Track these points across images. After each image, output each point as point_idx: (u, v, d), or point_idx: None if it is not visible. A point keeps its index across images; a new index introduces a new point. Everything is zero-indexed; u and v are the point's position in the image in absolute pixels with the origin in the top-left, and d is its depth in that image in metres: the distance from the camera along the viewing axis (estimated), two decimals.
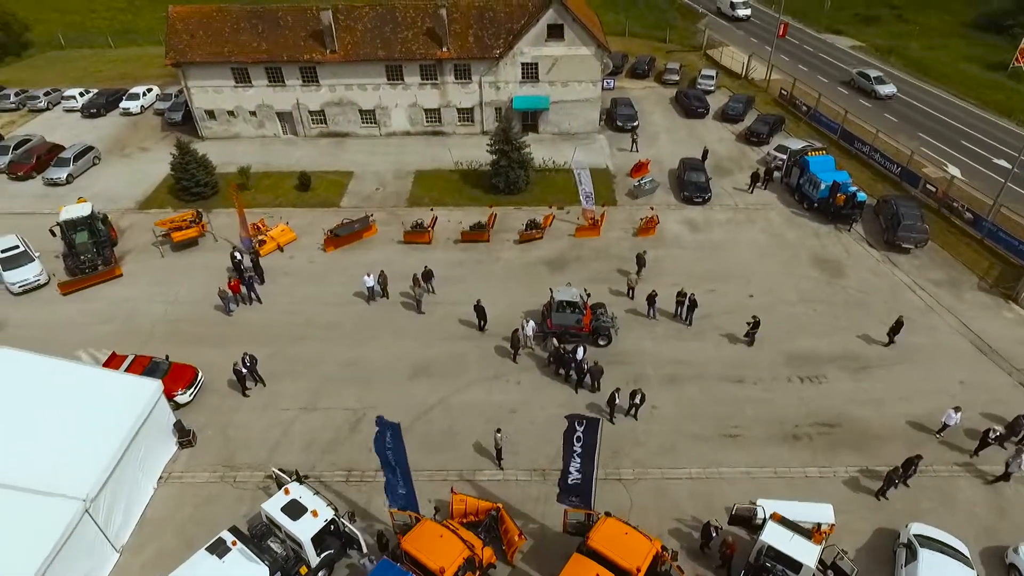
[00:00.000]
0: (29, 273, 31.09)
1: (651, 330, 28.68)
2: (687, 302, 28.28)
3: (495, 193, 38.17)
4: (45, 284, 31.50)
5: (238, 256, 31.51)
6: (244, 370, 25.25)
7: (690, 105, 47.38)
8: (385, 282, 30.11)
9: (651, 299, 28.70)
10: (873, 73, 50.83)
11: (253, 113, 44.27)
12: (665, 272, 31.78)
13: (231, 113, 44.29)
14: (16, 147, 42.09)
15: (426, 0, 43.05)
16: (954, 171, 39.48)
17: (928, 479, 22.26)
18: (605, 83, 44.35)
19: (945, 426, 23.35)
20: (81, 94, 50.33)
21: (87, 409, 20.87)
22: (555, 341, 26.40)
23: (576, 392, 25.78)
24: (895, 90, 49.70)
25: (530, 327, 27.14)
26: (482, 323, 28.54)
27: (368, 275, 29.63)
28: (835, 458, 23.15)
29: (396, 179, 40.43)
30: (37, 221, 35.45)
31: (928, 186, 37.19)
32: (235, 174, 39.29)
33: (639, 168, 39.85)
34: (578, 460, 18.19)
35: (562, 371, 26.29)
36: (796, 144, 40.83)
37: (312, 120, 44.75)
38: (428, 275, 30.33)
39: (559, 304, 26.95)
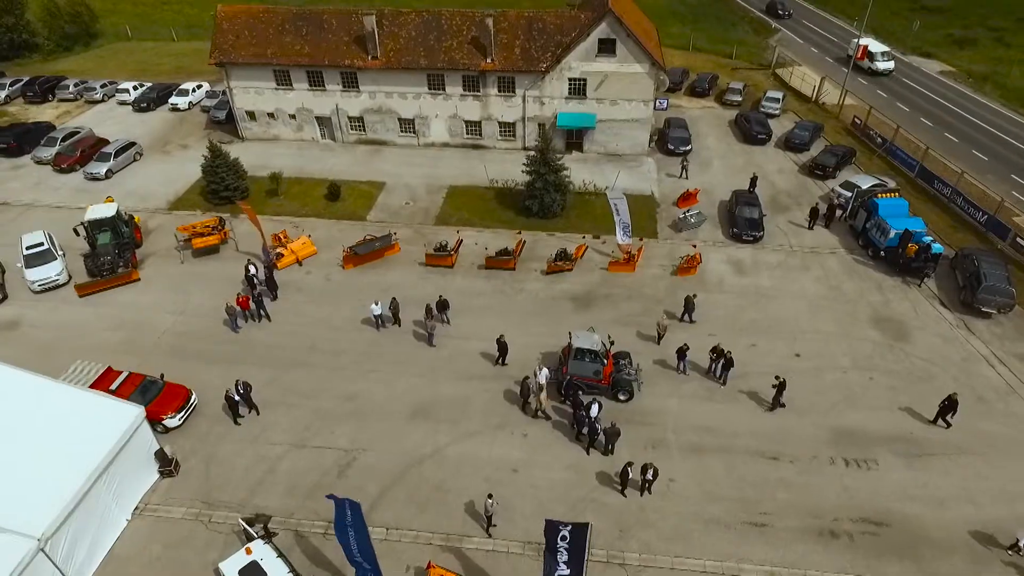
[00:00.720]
0: (50, 272, 30.93)
1: (679, 387, 25.85)
2: (723, 360, 25.33)
3: (528, 216, 35.94)
4: (65, 284, 31.31)
5: (252, 269, 30.46)
6: (236, 398, 23.98)
7: (750, 130, 43.77)
8: (397, 309, 28.38)
9: (681, 353, 25.85)
10: None
11: (293, 116, 43.53)
12: (702, 319, 28.80)
13: (271, 115, 43.70)
14: (64, 139, 42.70)
15: (474, 8, 41.21)
16: None
17: None
18: (658, 103, 41.37)
19: (1019, 546, 19.68)
20: (135, 88, 50.96)
21: (61, 434, 19.91)
22: (542, 398, 24.13)
23: (588, 453, 23.29)
24: None
25: (543, 375, 24.75)
26: (501, 359, 26.57)
27: (376, 303, 27.95)
28: (879, 566, 19.86)
29: (428, 193, 38.76)
30: (71, 216, 35.50)
31: (1019, 239, 32.68)
32: (267, 179, 38.55)
33: (687, 198, 37.06)
34: (565, 555, 15.82)
35: (575, 426, 23.90)
36: (866, 181, 36.81)
37: (351, 126, 43.65)
38: (443, 305, 28.42)
39: (577, 351, 24.52)
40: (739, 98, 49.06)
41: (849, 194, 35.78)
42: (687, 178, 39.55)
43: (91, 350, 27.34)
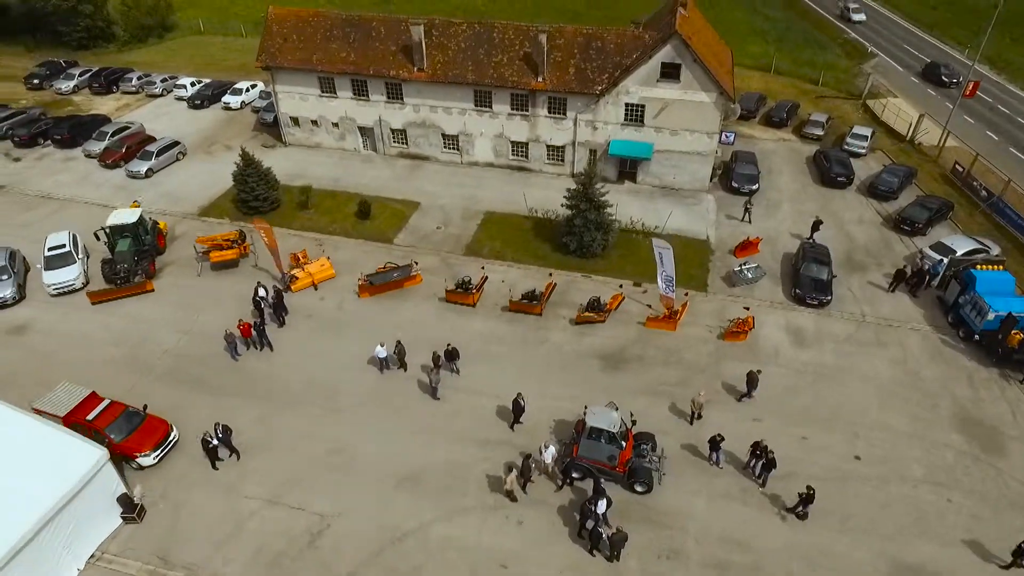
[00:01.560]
0: (67, 276, 30.32)
1: (709, 482, 22.15)
2: (764, 458, 21.48)
3: (564, 253, 32.80)
4: (81, 289, 30.63)
5: (261, 292, 28.77)
6: (215, 442, 22.13)
7: (830, 170, 38.86)
8: (402, 353, 25.93)
9: (715, 443, 22.15)
10: None
11: (336, 125, 42.03)
12: (746, 399, 24.90)
13: (314, 122, 42.36)
14: (113, 134, 42.76)
15: (529, 21, 38.37)
16: None
17: None
18: (723, 136, 37.28)
19: None
20: (192, 84, 50.99)
21: (12, 474, 18.50)
22: (510, 480, 20.97)
23: (592, 554, 20.01)
24: None
25: (549, 453, 21.74)
26: (514, 421, 23.79)
27: (381, 345, 25.59)
28: None
29: (463, 219, 36.18)
30: (105, 215, 34.67)
31: None
32: (297, 191, 37.10)
33: (746, 247, 33.00)
34: None
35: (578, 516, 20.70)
36: (963, 244, 31.58)
37: (393, 139, 41.73)
38: (452, 355, 25.76)
39: (591, 431, 21.29)
40: (820, 132, 44.02)
41: (940, 258, 30.69)
42: (750, 222, 35.31)
43: (89, 365, 26.39)
